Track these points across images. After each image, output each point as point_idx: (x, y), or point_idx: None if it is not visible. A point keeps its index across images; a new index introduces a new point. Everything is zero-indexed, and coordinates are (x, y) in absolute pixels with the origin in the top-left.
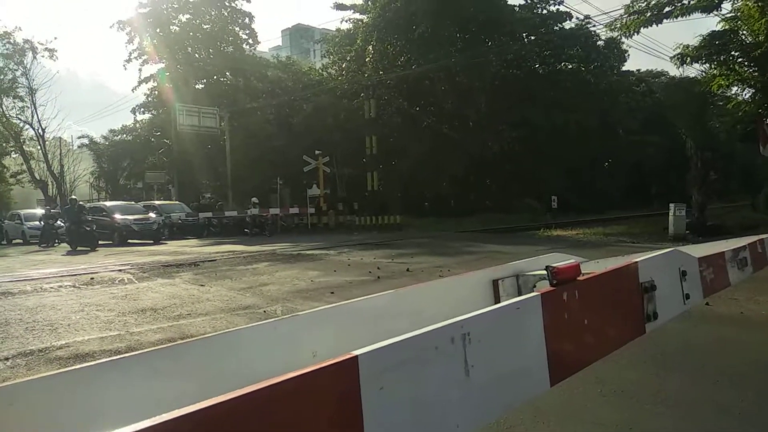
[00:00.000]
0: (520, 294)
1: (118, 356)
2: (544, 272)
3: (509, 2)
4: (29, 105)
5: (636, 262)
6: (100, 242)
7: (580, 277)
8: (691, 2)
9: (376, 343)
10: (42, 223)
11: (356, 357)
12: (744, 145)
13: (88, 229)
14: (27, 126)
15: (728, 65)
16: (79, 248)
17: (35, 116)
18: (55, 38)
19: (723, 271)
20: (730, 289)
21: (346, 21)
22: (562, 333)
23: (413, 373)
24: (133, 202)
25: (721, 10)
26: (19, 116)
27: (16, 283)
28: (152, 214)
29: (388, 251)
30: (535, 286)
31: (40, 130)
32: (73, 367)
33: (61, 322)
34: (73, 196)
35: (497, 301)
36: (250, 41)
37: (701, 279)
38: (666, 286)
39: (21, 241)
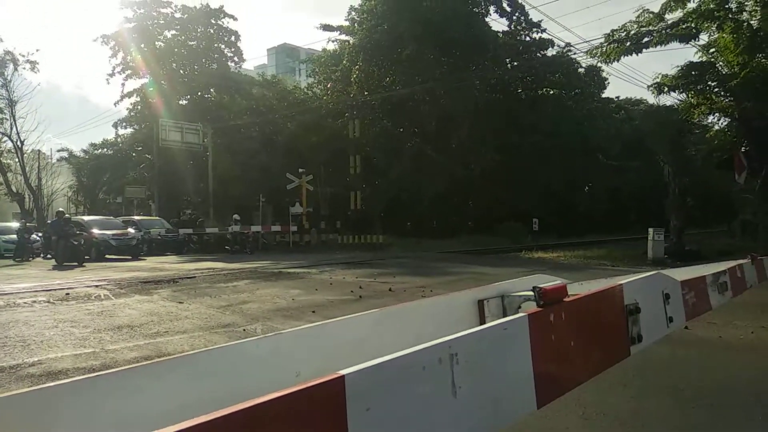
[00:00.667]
0: (505, 315)
1: (94, 374)
2: (529, 293)
3: (493, 28)
4: (8, 117)
5: (621, 285)
6: None
7: (567, 299)
8: (669, 32)
9: (362, 363)
10: (17, 237)
11: (343, 377)
12: (720, 172)
13: (75, 243)
14: (5, 138)
15: (705, 95)
16: (65, 263)
17: (14, 128)
18: (37, 50)
19: (704, 294)
20: (708, 313)
21: (333, 42)
22: (549, 354)
23: (400, 394)
24: (112, 217)
25: (698, 40)
26: None
27: None
28: (131, 230)
29: (370, 270)
30: (520, 307)
31: (18, 143)
32: (45, 385)
33: (34, 339)
34: (61, 209)
35: (482, 321)
36: (236, 59)
37: (684, 302)
38: (650, 308)
39: None
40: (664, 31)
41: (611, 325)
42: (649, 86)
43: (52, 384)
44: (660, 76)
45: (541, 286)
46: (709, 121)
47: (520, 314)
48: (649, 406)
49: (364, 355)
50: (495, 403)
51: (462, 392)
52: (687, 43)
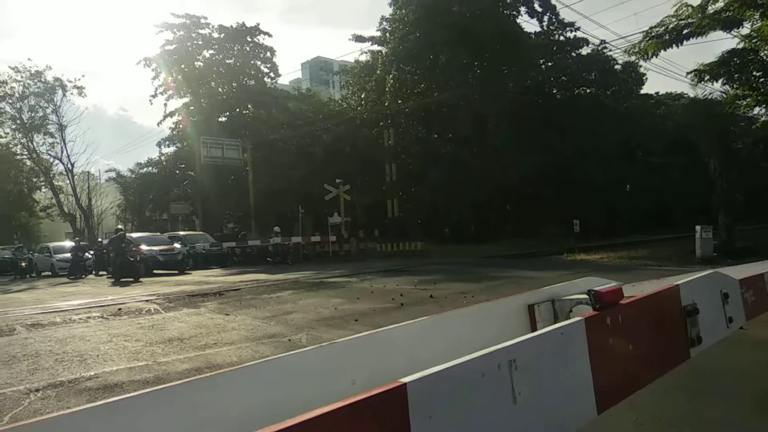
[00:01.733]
0: (556, 319)
1: (152, 388)
2: (581, 297)
3: (525, 30)
4: (59, 141)
5: (677, 285)
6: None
7: (623, 301)
8: (710, 21)
9: (421, 371)
10: (71, 255)
11: (404, 384)
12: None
13: (131, 259)
14: (57, 161)
15: (750, 85)
16: (122, 279)
17: (64, 152)
18: (83, 76)
19: (763, 293)
20: (766, 313)
21: (365, 52)
22: (608, 358)
23: (462, 401)
24: (158, 233)
25: (741, 28)
26: (49, 152)
27: (45, 314)
28: (177, 245)
29: (410, 278)
30: (571, 311)
31: (69, 165)
32: (105, 401)
33: (90, 353)
34: (120, 227)
35: (533, 326)
36: (272, 74)
37: (743, 301)
38: (709, 309)
39: (50, 273)
40: (705, 20)
41: (670, 327)
42: (687, 73)
43: (108, 400)
44: (700, 65)
45: (596, 289)
46: (756, 112)
47: (577, 318)
48: (705, 412)
49: (417, 363)
50: (555, 409)
51: (522, 398)
52: (730, 30)
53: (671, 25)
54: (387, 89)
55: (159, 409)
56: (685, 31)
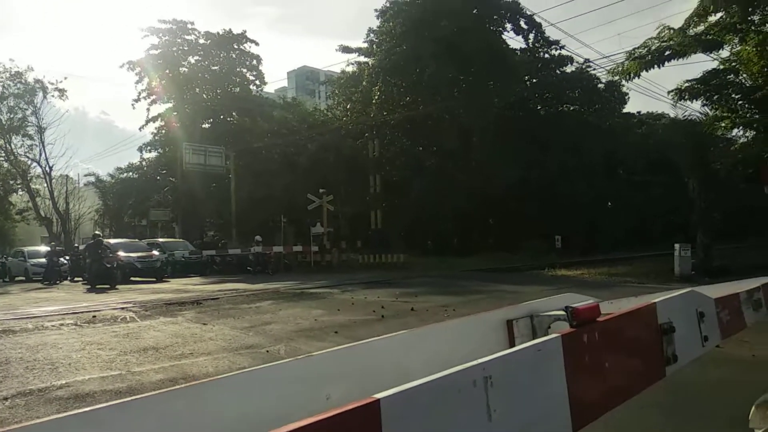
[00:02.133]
0: (534, 335)
1: (122, 400)
2: (560, 313)
3: (512, 46)
4: (38, 143)
5: (654, 303)
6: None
7: (600, 318)
8: (690, 42)
9: (396, 386)
10: (46, 260)
11: (378, 400)
12: (748, 185)
13: (108, 266)
14: (35, 164)
15: (729, 106)
16: (98, 286)
17: (43, 154)
18: (65, 78)
19: (738, 312)
20: (741, 331)
21: (351, 64)
22: (584, 376)
23: (436, 418)
24: (136, 240)
25: (722, 50)
26: (27, 154)
27: (17, 320)
28: (156, 252)
29: (392, 290)
30: (550, 327)
31: (47, 168)
32: (73, 412)
33: (62, 361)
34: (97, 232)
35: (512, 341)
36: (257, 82)
37: (718, 321)
38: (684, 327)
39: (24, 278)
40: (687, 40)
41: (646, 345)
42: (669, 92)
43: (76, 411)
44: (681, 83)
45: (573, 305)
46: (734, 134)
47: (554, 335)
48: (681, 429)
49: (394, 378)
50: (530, 427)
51: (497, 416)
52: (710, 53)
53: (653, 47)
54: (373, 101)
55: (129, 421)
56: (666, 53)
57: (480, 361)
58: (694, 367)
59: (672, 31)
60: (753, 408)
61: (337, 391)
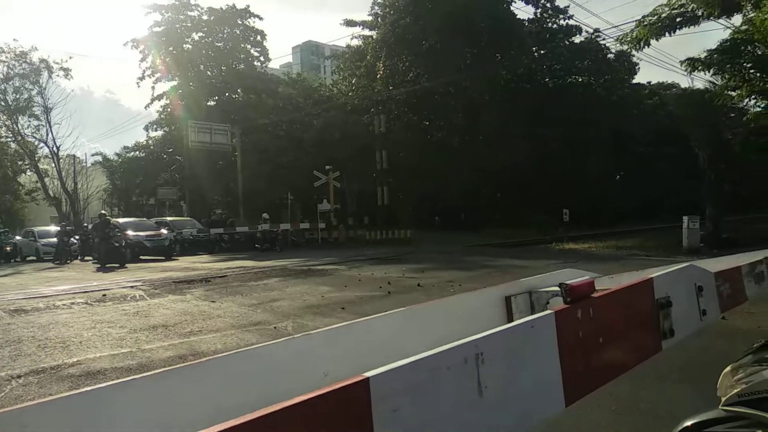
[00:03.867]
0: (533, 311)
1: (130, 377)
2: (557, 289)
3: (519, 17)
4: (44, 123)
5: (651, 278)
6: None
7: (595, 294)
8: (701, 11)
9: (387, 365)
10: (56, 240)
11: (367, 379)
12: (760, 156)
13: (116, 245)
14: (42, 144)
15: (742, 76)
16: (108, 265)
17: (50, 134)
18: (70, 57)
19: (740, 285)
20: (746, 303)
21: (356, 37)
22: (577, 352)
23: (426, 395)
24: (145, 219)
25: (733, 16)
26: (35, 134)
27: (29, 300)
28: (164, 231)
29: (399, 266)
30: (548, 303)
31: (54, 148)
32: (85, 389)
33: (73, 340)
34: (103, 212)
35: (510, 318)
36: (262, 58)
37: (718, 294)
38: (682, 302)
39: (35, 258)
40: (698, 7)
41: (641, 320)
42: (681, 62)
43: (87, 389)
44: (697, 54)
45: (568, 282)
46: (746, 103)
47: (547, 312)
48: (685, 401)
49: (392, 355)
50: (522, 401)
51: (488, 392)
52: (728, 16)
53: (663, 14)
54: (378, 75)
55: (130, 400)
56: (678, 19)
57: (472, 338)
58: (699, 339)
59: None
60: (721, 375)
61: (335, 369)
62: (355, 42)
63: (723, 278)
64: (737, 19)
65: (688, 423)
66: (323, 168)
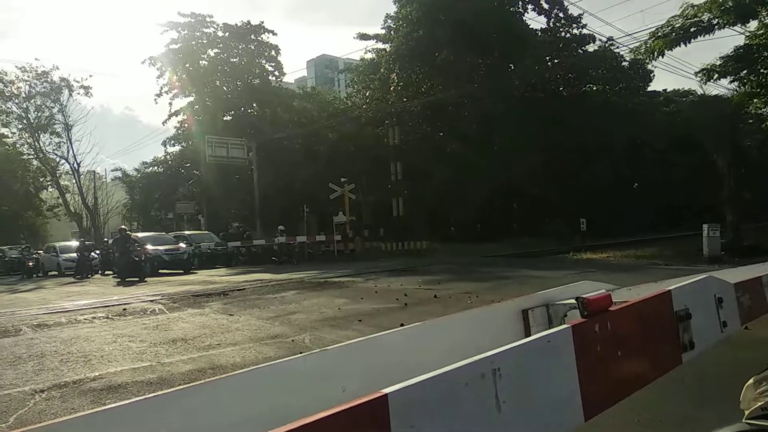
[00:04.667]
0: (550, 324)
1: (145, 396)
2: (574, 302)
3: (531, 26)
4: (65, 140)
5: (669, 290)
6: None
7: (612, 308)
8: (717, 20)
9: (405, 381)
10: (77, 255)
11: (386, 395)
12: None
13: (136, 259)
14: (63, 161)
15: (759, 82)
16: (128, 279)
17: (71, 151)
18: (90, 76)
19: (761, 296)
20: None
21: (370, 51)
22: (595, 366)
23: (444, 411)
24: (164, 233)
25: (748, 26)
26: (56, 152)
27: (51, 314)
28: (182, 244)
29: (415, 277)
30: (566, 316)
31: (75, 165)
32: (108, 406)
33: (95, 354)
34: (123, 226)
35: (528, 331)
36: (276, 73)
37: (738, 305)
38: (702, 314)
39: (56, 272)
40: (712, 20)
41: (660, 333)
42: (696, 72)
43: (103, 408)
44: (709, 64)
45: (585, 296)
46: (763, 110)
47: (564, 326)
48: (708, 413)
49: (409, 370)
50: (541, 416)
51: (507, 407)
52: (743, 24)
53: (677, 24)
54: (391, 88)
55: (149, 418)
56: (692, 29)
57: (488, 354)
58: (722, 350)
59: (695, 8)
60: (744, 388)
61: (353, 384)
62: (369, 55)
63: (743, 289)
64: (752, 25)
65: None
66: (338, 180)
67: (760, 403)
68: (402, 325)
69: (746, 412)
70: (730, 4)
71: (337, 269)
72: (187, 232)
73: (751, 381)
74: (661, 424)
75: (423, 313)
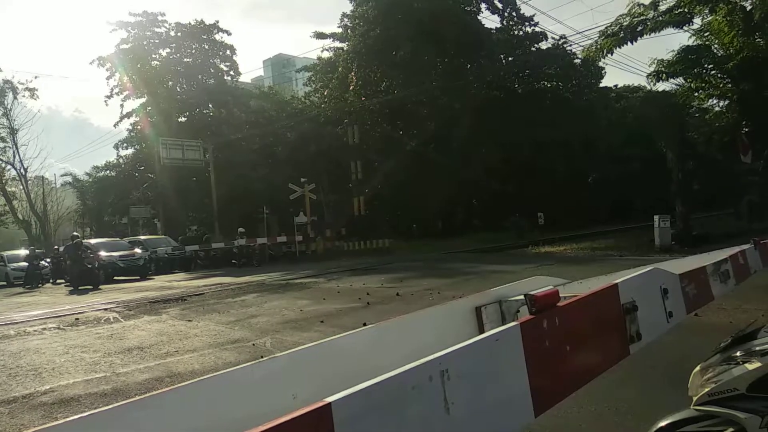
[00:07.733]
0: (503, 320)
1: (93, 411)
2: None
3: (486, 25)
4: (11, 145)
5: (616, 284)
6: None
7: (560, 303)
8: (662, 18)
9: (350, 388)
10: (27, 264)
11: (329, 404)
12: (724, 154)
13: (89, 266)
14: (9, 166)
15: (703, 78)
16: (81, 287)
17: (17, 156)
18: (36, 77)
19: (705, 285)
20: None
21: (327, 50)
22: (545, 362)
23: (391, 416)
24: (118, 239)
25: (692, 24)
26: (1, 157)
27: None
28: (138, 250)
29: (377, 276)
30: (518, 312)
31: (22, 170)
32: (55, 423)
33: (45, 366)
34: (75, 233)
35: (481, 328)
36: (232, 73)
37: (684, 295)
38: (648, 305)
39: (5, 283)
40: (658, 18)
41: (608, 326)
42: (648, 75)
43: (50, 425)
44: (656, 63)
45: (533, 292)
46: (708, 103)
47: (512, 324)
48: (663, 399)
49: (362, 374)
50: (491, 415)
51: (456, 408)
52: (681, 28)
53: (625, 23)
54: (351, 87)
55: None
56: (639, 28)
57: (436, 355)
58: (673, 337)
59: (642, 7)
60: (692, 375)
61: (304, 391)
62: (326, 54)
63: (688, 279)
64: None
65: (663, 423)
66: (298, 180)
67: (706, 390)
68: (365, 324)
69: (694, 399)
70: (663, 14)
71: (299, 270)
72: (142, 237)
73: (698, 368)
74: (618, 413)
75: (385, 311)
